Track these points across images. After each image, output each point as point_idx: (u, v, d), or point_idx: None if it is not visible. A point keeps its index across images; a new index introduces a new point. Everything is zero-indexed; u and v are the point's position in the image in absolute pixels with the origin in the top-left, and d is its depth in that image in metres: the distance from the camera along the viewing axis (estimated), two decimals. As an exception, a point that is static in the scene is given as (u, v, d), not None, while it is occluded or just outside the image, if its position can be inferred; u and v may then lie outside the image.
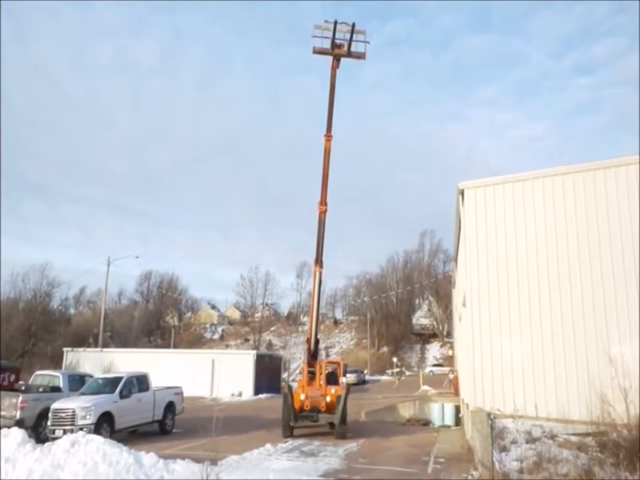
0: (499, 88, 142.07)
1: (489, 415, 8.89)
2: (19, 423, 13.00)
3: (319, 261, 16.93)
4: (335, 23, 16.00)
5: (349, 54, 16.60)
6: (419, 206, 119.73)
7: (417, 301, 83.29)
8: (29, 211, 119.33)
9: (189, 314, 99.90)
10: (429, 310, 77.31)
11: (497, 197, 14.71)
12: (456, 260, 23.66)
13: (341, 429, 15.40)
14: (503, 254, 14.25)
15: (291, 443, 14.46)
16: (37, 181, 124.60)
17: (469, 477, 9.33)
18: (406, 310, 78.56)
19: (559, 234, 13.96)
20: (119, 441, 10.23)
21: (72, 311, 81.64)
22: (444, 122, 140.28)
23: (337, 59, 16.76)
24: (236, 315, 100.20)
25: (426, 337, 75.36)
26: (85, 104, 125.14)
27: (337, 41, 16.43)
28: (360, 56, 16.73)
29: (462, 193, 15.06)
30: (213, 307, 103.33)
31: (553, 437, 11.14)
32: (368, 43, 16.65)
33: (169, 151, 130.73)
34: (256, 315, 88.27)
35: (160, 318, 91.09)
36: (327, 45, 16.46)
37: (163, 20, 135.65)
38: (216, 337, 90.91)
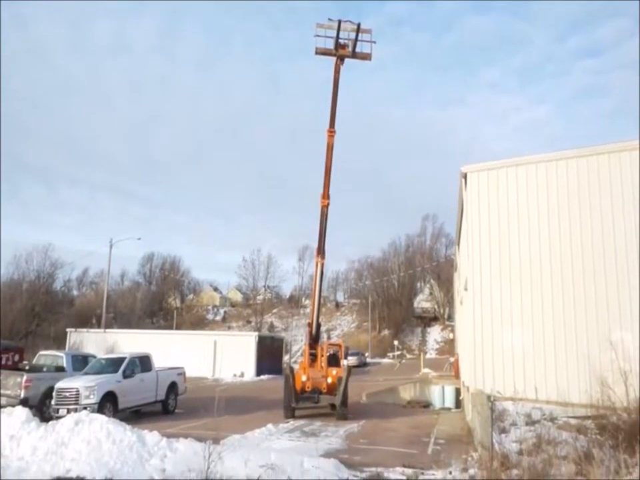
0: (501, 71, 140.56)
1: (489, 397, 8.93)
2: (24, 402, 13.17)
3: (320, 252, 16.85)
4: (339, 22, 15.32)
5: (354, 54, 15.93)
6: (421, 190, 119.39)
7: (418, 285, 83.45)
8: (30, 193, 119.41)
9: (191, 296, 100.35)
10: (431, 293, 77.49)
11: (499, 181, 14.62)
12: (458, 244, 23.63)
13: (341, 410, 15.54)
14: (505, 237, 14.21)
15: (292, 423, 14.62)
16: (37, 164, 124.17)
17: (469, 458, 9.42)
18: (407, 293, 78.69)
19: (561, 218, 13.89)
20: (122, 420, 10.33)
21: (75, 292, 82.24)
22: (446, 106, 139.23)
23: (341, 59, 16.12)
24: (238, 297, 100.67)
25: (427, 320, 75.66)
26: (84, 86, 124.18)
27: (341, 41, 15.71)
28: (365, 57, 16.03)
29: (465, 176, 14.97)
30: (215, 289, 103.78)
31: (552, 419, 11.22)
32: (374, 42, 15.95)
33: (169, 135, 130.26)
34: (258, 297, 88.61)
35: (162, 299, 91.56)
36: (330, 44, 15.71)
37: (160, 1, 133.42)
38: (218, 318, 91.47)
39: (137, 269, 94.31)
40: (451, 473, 8.61)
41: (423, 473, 8.66)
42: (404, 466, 9.14)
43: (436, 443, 11.97)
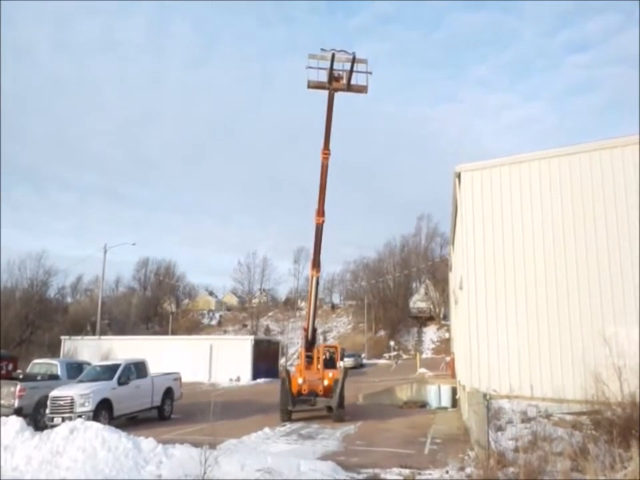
0: (492, 68, 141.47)
1: (485, 395, 8.95)
2: (18, 411, 13.07)
3: (315, 265, 16.77)
4: (333, 55, 14.43)
5: (349, 87, 15.02)
6: (415, 189, 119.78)
7: (414, 285, 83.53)
8: (20, 197, 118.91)
9: (186, 300, 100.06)
10: (426, 293, 77.59)
11: (493, 180, 14.67)
12: (452, 243, 23.71)
13: (338, 412, 15.52)
14: (499, 236, 14.25)
15: (289, 426, 14.58)
16: (27, 166, 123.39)
17: (466, 457, 9.44)
18: (403, 294, 78.77)
19: (554, 216, 13.95)
20: (117, 427, 10.28)
21: (69, 299, 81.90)
22: (437, 104, 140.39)
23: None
24: (233, 301, 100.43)
25: (423, 320, 75.75)
26: (74, 86, 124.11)
27: (335, 72, 14.81)
28: (361, 89, 15.09)
29: (458, 175, 15.01)
30: (211, 293, 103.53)
31: (548, 416, 11.27)
32: (370, 73, 14.98)
33: (161, 135, 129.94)
34: (253, 300, 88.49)
35: (157, 305, 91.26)
36: (323, 75, 14.84)
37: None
38: (214, 322, 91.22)
39: (132, 274, 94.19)
40: (447, 472, 8.62)
41: (420, 473, 8.66)
42: (401, 466, 9.14)
43: (433, 442, 11.98)
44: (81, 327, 57.82)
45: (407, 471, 8.80)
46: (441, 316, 72.84)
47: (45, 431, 9.75)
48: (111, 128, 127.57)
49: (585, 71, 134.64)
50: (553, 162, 14.29)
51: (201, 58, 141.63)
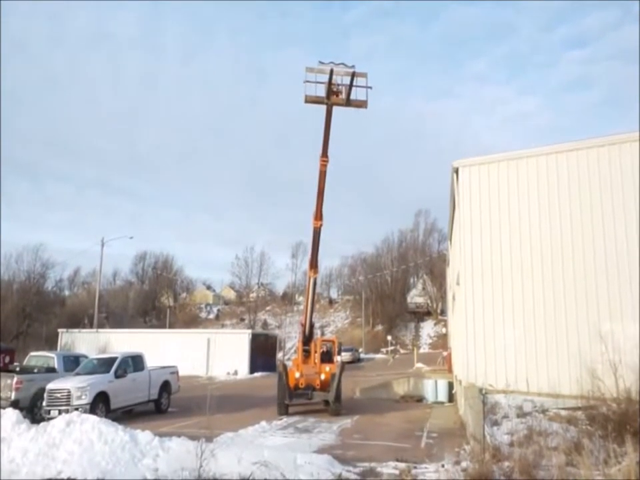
0: (488, 62, 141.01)
1: (481, 390, 9.00)
2: (14, 404, 13.06)
3: (313, 266, 16.75)
4: (331, 70, 13.90)
5: (348, 102, 14.45)
6: (413, 185, 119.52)
7: (411, 280, 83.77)
8: (17, 190, 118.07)
9: (184, 294, 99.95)
10: (424, 288, 77.78)
11: (491, 175, 14.67)
12: (450, 239, 23.74)
13: (335, 406, 15.58)
14: (496, 232, 14.27)
15: (285, 420, 14.63)
16: (23, 159, 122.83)
17: (461, 451, 9.48)
18: (401, 289, 78.98)
19: (552, 211, 13.97)
20: (114, 420, 10.29)
21: (66, 292, 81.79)
22: (434, 98, 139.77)
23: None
24: (231, 295, 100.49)
25: (420, 315, 76.01)
26: (68, 80, 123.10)
27: (334, 86, 14.25)
28: (360, 104, 14.40)
29: (456, 171, 15.00)
30: (208, 287, 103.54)
31: (543, 411, 11.32)
32: (370, 88, 14.35)
33: (157, 129, 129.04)
34: (251, 294, 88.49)
35: (155, 298, 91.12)
36: (321, 89, 14.24)
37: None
38: (211, 316, 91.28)
39: (130, 267, 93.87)
40: (443, 466, 8.65)
41: (415, 467, 8.69)
42: (397, 460, 9.18)
43: (429, 436, 12.04)
44: (78, 319, 57.78)
45: (402, 465, 8.82)
46: (438, 311, 73.05)
47: (42, 424, 9.73)
48: (106, 122, 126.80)
49: (581, 67, 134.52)
50: (551, 158, 14.28)
51: (195, 52, 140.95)
